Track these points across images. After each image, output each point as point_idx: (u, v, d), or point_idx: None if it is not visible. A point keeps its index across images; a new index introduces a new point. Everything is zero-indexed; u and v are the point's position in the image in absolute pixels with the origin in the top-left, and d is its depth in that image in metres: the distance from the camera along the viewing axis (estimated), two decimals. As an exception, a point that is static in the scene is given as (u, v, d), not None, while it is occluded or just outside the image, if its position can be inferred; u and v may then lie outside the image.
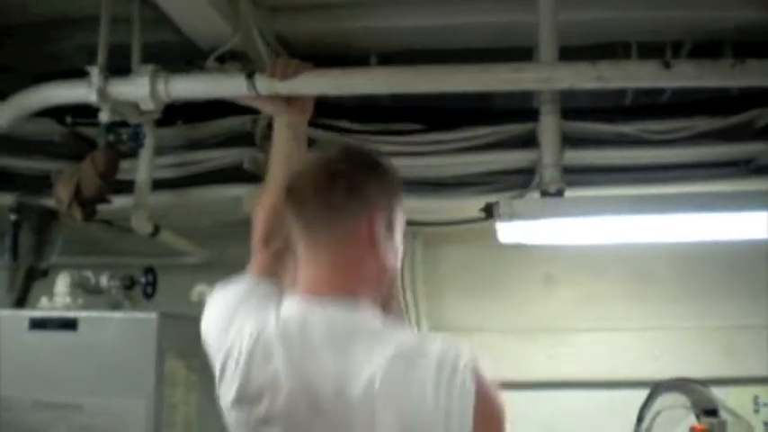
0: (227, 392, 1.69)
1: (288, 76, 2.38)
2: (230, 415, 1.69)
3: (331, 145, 1.93)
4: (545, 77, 2.46)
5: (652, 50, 3.08)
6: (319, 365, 1.58)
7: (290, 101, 2.38)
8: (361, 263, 1.69)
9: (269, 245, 2.09)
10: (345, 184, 1.70)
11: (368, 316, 1.65)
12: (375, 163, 1.79)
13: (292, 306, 1.70)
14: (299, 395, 1.59)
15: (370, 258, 1.70)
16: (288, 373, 1.61)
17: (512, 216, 2.66)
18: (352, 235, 1.69)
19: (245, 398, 1.65)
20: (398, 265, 1.78)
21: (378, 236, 1.70)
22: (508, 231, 2.80)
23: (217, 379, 1.73)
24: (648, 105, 3.23)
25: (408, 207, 3.30)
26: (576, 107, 3.03)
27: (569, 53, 2.73)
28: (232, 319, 1.79)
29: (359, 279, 1.69)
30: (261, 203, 2.20)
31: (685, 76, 2.39)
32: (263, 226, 2.14)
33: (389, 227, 1.73)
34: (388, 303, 1.73)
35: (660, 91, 3.15)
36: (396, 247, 1.76)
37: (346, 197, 1.69)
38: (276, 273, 1.97)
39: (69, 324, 2.65)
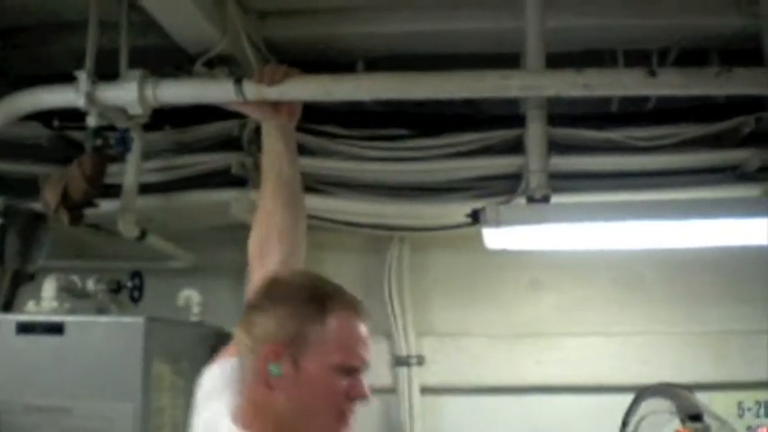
0: None
1: (275, 81, 2.39)
2: None
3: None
4: (532, 85, 2.47)
5: (638, 58, 3.11)
6: None
7: (277, 106, 2.40)
8: (253, 397, 1.71)
9: (265, 255, 2.11)
10: (249, 316, 1.73)
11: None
12: (284, 295, 1.73)
13: None
14: None
15: (259, 395, 1.69)
16: None
17: (498, 222, 2.67)
18: (250, 367, 1.70)
19: None
20: (328, 407, 1.68)
21: (266, 374, 1.66)
22: (495, 237, 2.81)
23: None
24: (634, 112, 3.25)
25: (395, 212, 3.38)
26: (562, 113, 3.04)
27: (556, 60, 2.75)
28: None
29: (252, 414, 1.70)
30: (256, 213, 2.21)
31: (671, 84, 2.40)
32: (257, 234, 2.17)
33: (295, 365, 1.66)
34: None
35: (646, 98, 3.16)
36: (306, 384, 1.66)
37: (247, 330, 1.72)
38: None
39: (56, 328, 2.65)
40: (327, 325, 1.67)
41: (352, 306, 1.72)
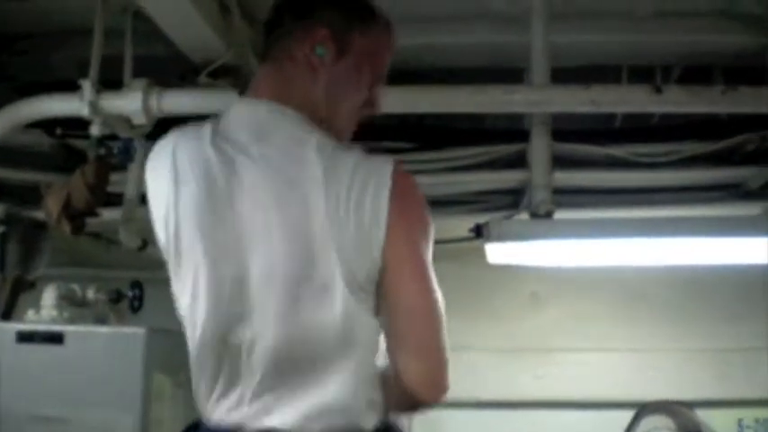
0: None
1: None
2: None
3: None
4: (538, 100, 2.47)
5: (642, 74, 3.11)
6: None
7: None
8: (293, 82, 1.69)
9: None
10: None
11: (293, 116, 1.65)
12: None
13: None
14: None
15: (303, 78, 1.69)
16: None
17: (501, 237, 2.67)
18: (285, 51, 1.70)
19: None
20: (355, 96, 1.74)
21: (311, 56, 1.68)
22: (497, 252, 2.80)
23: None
24: (638, 128, 3.25)
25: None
26: (566, 128, 3.04)
27: (560, 75, 2.75)
28: None
29: (288, 97, 1.67)
30: None
31: (676, 101, 2.40)
32: None
33: (341, 51, 1.70)
34: (335, 134, 1.68)
35: (650, 114, 3.16)
36: (350, 76, 1.72)
37: (287, 13, 1.73)
38: None
39: (56, 338, 2.64)
40: (372, 34, 1.75)
41: (390, 25, 1.81)
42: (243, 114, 1.68)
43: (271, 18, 1.76)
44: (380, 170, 1.55)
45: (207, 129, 1.65)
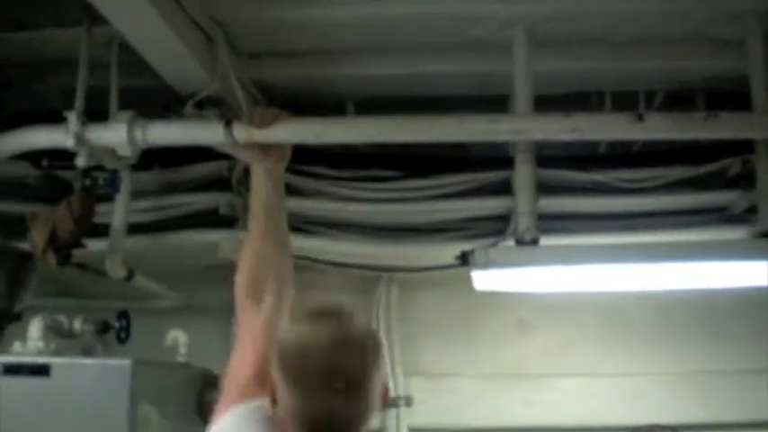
0: None
1: (265, 124, 2.40)
2: None
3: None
4: (521, 129, 2.48)
5: (626, 100, 3.13)
6: None
7: (267, 148, 2.40)
8: None
9: (260, 296, 2.12)
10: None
11: None
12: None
13: None
14: None
15: None
16: None
17: (487, 264, 2.67)
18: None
19: None
20: None
21: None
22: (483, 279, 2.81)
23: None
24: (622, 154, 3.27)
25: (384, 253, 3.38)
26: (550, 155, 3.06)
27: (543, 102, 2.77)
28: None
29: None
30: (242, 253, 2.21)
31: (658, 128, 2.42)
32: (245, 276, 2.16)
33: None
34: None
35: (633, 140, 3.18)
36: None
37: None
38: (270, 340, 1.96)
39: (43, 370, 2.63)
40: None
41: None
42: None
43: None
44: None
45: None
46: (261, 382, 1.87)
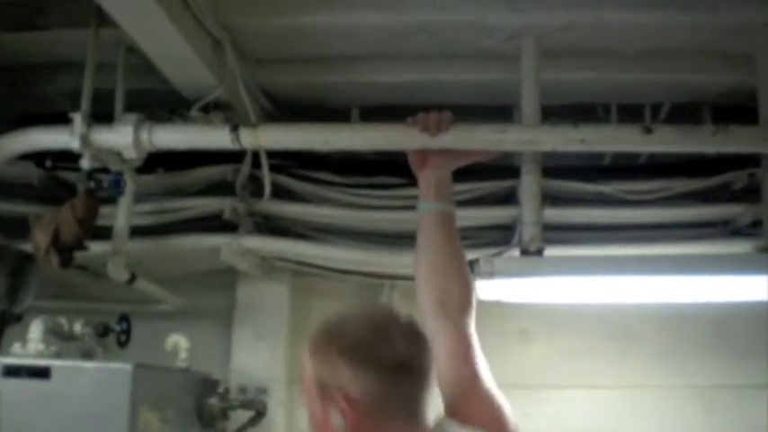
0: None
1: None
2: None
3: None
4: (529, 139, 2.47)
5: (631, 112, 3.13)
6: None
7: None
8: None
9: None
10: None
11: None
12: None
13: None
14: None
15: None
16: None
17: (492, 274, 2.65)
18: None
19: None
20: None
21: None
22: (487, 289, 2.79)
23: None
24: (627, 166, 3.27)
25: (387, 260, 3.36)
26: (555, 165, 3.05)
27: (549, 112, 2.77)
28: None
29: None
30: (417, 269, 2.09)
31: (666, 141, 2.41)
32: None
33: None
34: None
35: (639, 152, 3.18)
36: None
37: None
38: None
39: (43, 372, 2.62)
40: None
41: None
42: None
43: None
44: None
45: None
46: None
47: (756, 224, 3.05)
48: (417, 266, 2.07)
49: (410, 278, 3.59)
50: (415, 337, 1.67)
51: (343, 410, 1.57)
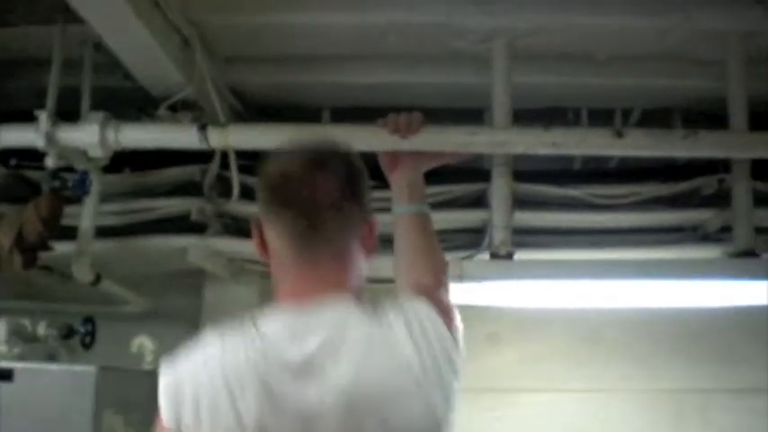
0: None
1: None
2: None
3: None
4: (499, 141, 2.46)
5: (602, 116, 3.13)
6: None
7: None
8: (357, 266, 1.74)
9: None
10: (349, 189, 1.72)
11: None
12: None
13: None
14: None
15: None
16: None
17: (461, 277, 2.64)
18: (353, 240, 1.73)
19: None
20: None
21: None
22: (457, 292, 2.78)
23: None
24: (598, 170, 3.26)
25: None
26: (526, 169, 3.04)
27: (520, 116, 2.76)
28: None
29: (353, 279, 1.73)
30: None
31: (637, 145, 2.41)
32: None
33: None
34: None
35: (609, 156, 3.18)
36: None
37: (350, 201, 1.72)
38: None
39: (5, 375, 2.56)
40: None
41: None
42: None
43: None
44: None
45: None
46: None
47: (726, 229, 3.05)
48: (396, 269, 2.07)
49: (376, 281, 3.61)
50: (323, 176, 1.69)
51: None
